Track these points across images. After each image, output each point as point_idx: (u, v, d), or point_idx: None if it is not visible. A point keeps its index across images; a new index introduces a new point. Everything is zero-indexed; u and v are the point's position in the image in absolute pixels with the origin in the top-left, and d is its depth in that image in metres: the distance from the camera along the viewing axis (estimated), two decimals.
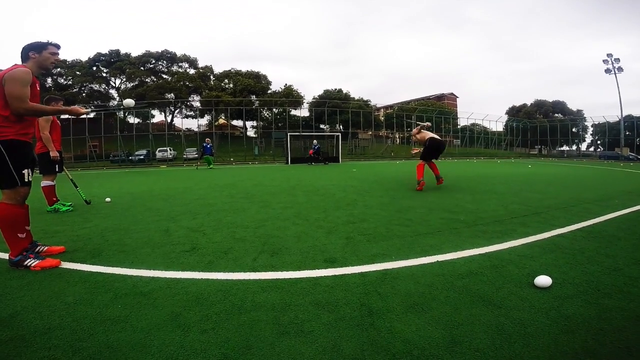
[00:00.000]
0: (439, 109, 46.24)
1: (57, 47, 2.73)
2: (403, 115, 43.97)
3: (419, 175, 6.65)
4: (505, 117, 50.39)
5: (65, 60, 43.14)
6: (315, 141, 22.47)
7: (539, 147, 48.90)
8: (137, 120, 42.35)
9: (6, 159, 2.41)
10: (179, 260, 2.58)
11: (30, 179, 2.58)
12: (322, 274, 2.26)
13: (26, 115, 2.48)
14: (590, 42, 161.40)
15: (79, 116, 2.86)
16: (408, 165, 17.69)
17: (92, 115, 34.26)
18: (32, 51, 2.61)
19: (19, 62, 2.59)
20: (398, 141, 51.30)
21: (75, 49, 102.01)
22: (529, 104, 57.21)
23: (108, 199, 5.74)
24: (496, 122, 44.90)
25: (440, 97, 69.82)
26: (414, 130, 7.35)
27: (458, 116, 47.90)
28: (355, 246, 2.88)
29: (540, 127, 46.36)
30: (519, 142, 46.88)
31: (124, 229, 3.61)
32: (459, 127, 46.87)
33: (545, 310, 1.74)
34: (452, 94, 75.54)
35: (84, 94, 43.61)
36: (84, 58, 44.84)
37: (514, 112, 55.45)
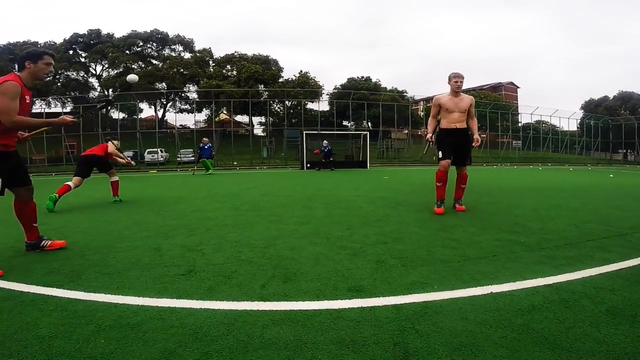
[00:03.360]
0: (494, 103, 45.62)
1: (53, 56, 3.35)
2: None
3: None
4: (581, 114, 49.19)
5: (36, 43, 44.74)
6: (325, 142, 22.86)
7: (624, 151, 47.44)
8: (122, 116, 43.55)
9: None
10: (173, 285, 2.65)
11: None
12: (346, 306, 2.28)
13: (14, 128, 3.12)
14: None
15: (67, 124, 3.43)
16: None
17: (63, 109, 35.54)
18: (28, 60, 3.19)
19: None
20: None
21: (48, 28, 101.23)
22: (611, 96, 55.77)
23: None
24: (568, 120, 43.85)
25: (496, 88, 68.98)
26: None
27: (519, 111, 47.14)
28: (388, 272, 2.89)
29: (626, 126, 45.00)
30: (598, 145, 45.66)
31: (107, 247, 3.73)
32: (520, 125, 46.06)
33: (627, 356, 1.71)
34: (511, 83, 74.54)
35: (58, 84, 45.02)
36: (59, 40, 46.31)
37: (592, 107, 54.12)
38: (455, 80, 5.59)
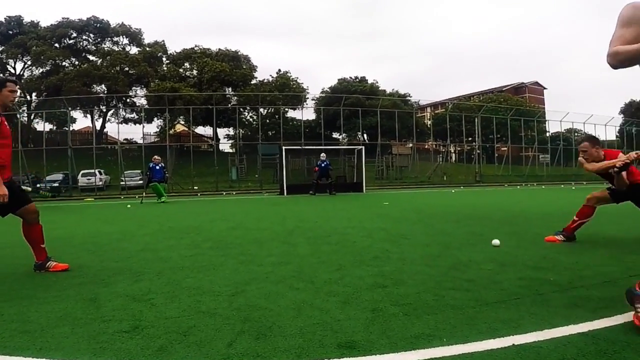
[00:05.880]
0: (515, 107, 46.35)
1: (15, 83, 4.22)
2: (461, 117, 44.18)
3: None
4: (620, 119, 50.25)
5: None
6: (323, 155, 22.27)
7: None
8: (48, 127, 43.01)
9: None
10: (113, 345, 2.61)
11: None
12: None
13: None
14: None
15: None
16: (471, 195, 17.62)
17: None
18: None
19: None
20: (454, 157, 51.22)
21: None
22: None
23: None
24: (605, 127, 44.54)
25: (518, 89, 70.64)
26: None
27: (546, 118, 47.93)
28: (386, 323, 2.89)
29: None
30: None
31: (27, 297, 3.68)
32: (547, 135, 46.76)
33: None
34: (536, 83, 76.36)
35: None
36: None
37: (633, 111, 55.45)
38: None
